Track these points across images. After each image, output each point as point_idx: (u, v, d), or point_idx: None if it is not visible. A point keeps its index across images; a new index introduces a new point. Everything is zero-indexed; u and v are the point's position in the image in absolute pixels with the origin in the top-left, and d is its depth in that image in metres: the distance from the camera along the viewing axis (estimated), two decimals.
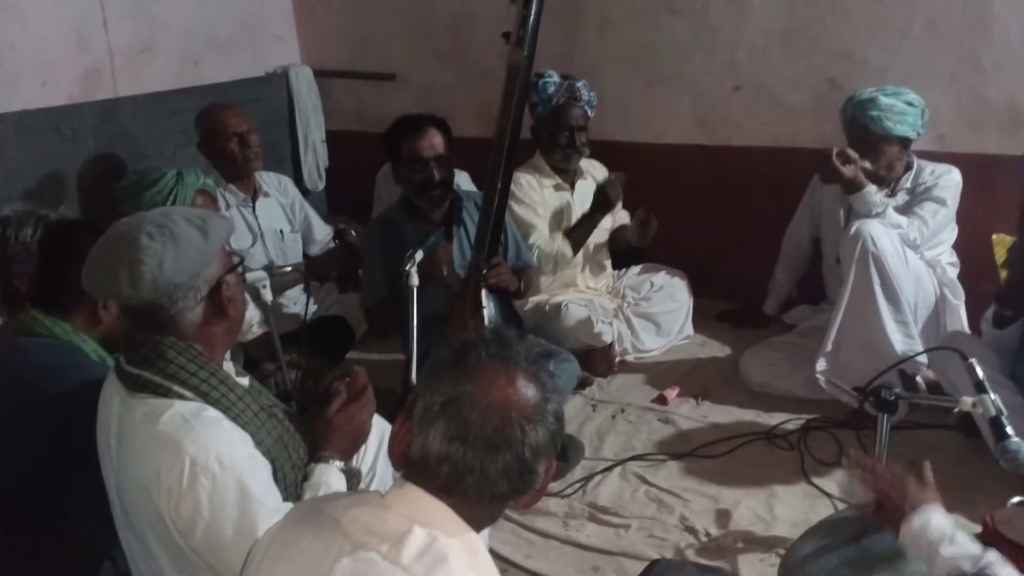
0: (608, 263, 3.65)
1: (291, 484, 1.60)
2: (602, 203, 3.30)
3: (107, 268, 1.49)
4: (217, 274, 1.56)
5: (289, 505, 1.49)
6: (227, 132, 3.29)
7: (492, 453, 1.12)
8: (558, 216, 3.43)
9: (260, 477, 1.49)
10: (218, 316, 1.57)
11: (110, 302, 1.87)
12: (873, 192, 2.89)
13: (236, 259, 1.64)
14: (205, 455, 1.42)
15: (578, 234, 3.35)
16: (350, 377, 1.77)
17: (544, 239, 3.31)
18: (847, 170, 2.86)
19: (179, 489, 1.41)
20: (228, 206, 3.29)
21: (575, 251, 3.34)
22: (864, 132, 2.96)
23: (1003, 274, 2.85)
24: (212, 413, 1.49)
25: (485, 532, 1.27)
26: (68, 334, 1.87)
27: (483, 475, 1.12)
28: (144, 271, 1.45)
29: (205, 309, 1.55)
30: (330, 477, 1.62)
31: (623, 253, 3.66)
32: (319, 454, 1.65)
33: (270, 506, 1.46)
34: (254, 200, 3.39)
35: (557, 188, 3.45)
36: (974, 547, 1.48)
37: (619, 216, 3.66)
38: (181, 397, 1.48)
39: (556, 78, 3.35)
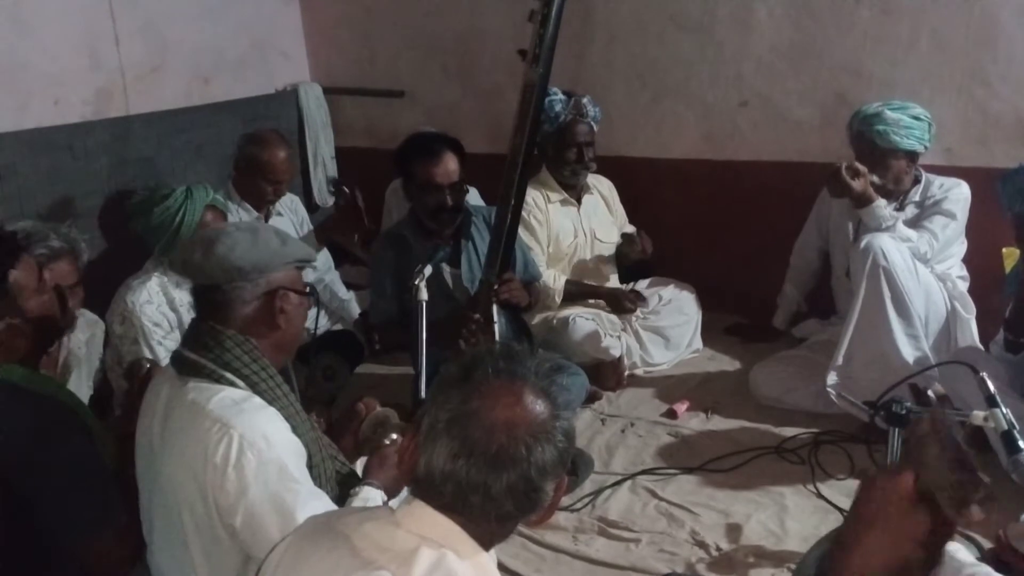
0: (614, 277, 3.64)
1: (324, 486, 1.66)
2: (611, 300, 3.49)
3: (190, 243, 1.71)
4: (279, 283, 1.68)
5: (322, 493, 1.59)
6: (271, 177, 3.34)
7: (496, 471, 1.10)
8: (566, 231, 3.44)
9: (298, 461, 1.58)
10: (267, 321, 1.67)
11: (15, 321, 1.82)
12: (883, 206, 2.88)
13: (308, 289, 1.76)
14: (252, 432, 1.51)
15: (575, 290, 3.44)
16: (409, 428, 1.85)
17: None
18: (856, 184, 2.85)
19: (226, 464, 1.49)
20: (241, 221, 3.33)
21: (561, 301, 3.40)
22: (871, 146, 2.97)
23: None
24: (258, 401, 1.59)
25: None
26: None
27: (487, 494, 1.10)
28: (217, 248, 1.61)
29: (257, 308, 1.65)
30: (378, 498, 1.69)
31: (631, 267, 3.66)
32: (369, 479, 1.74)
33: (307, 488, 1.55)
34: (267, 219, 3.43)
35: (564, 203, 3.47)
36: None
37: (625, 229, 3.67)
38: (232, 384, 1.58)
39: (560, 95, 3.37)
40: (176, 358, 1.66)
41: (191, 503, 1.53)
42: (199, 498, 1.52)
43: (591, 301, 3.52)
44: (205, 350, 1.60)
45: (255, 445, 1.50)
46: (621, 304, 3.49)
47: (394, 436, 1.86)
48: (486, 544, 1.15)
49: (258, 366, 1.62)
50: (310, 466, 1.62)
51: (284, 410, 1.61)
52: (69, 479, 1.72)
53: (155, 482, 1.62)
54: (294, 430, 1.61)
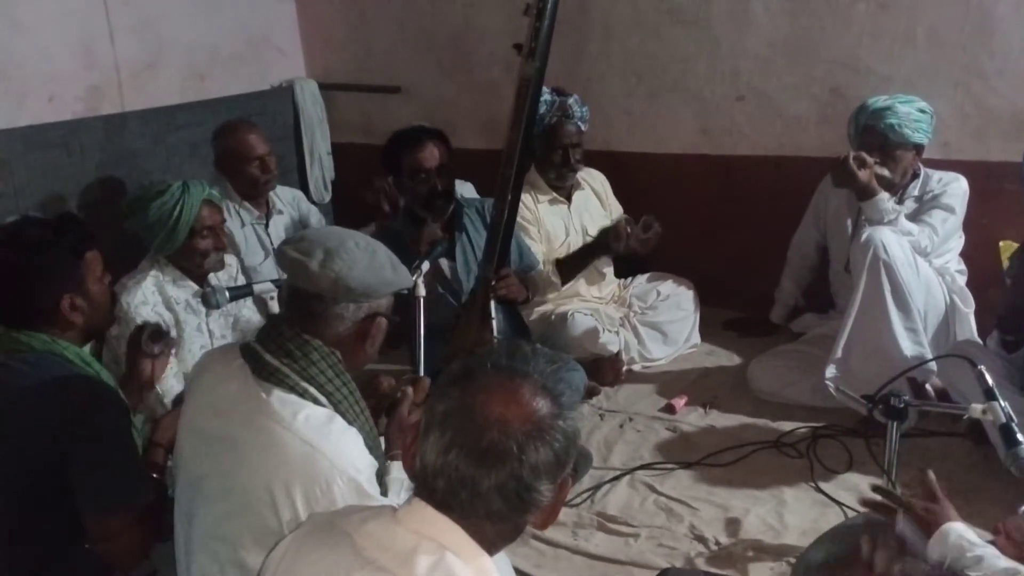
0: (607, 271, 3.62)
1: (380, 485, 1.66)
2: (602, 246, 3.34)
3: (308, 244, 1.61)
4: (378, 309, 1.67)
5: (390, 501, 1.58)
6: (250, 155, 3.30)
7: (485, 467, 1.08)
8: (556, 230, 3.43)
9: (371, 477, 1.56)
10: (356, 343, 1.66)
11: (77, 299, 1.89)
12: (886, 199, 2.86)
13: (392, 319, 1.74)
14: (342, 459, 1.50)
15: (570, 267, 3.38)
16: (417, 384, 1.90)
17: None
18: (862, 174, 2.83)
19: (314, 487, 1.47)
20: (243, 224, 3.32)
21: (564, 282, 3.37)
22: (883, 140, 2.94)
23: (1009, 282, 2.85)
24: (341, 422, 1.56)
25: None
26: (47, 344, 1.86)
27: (475, 490, 1.08)
28: (337, 261, 1.58)
29: (353, 329, 1.64)
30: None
31: (628, 261, 3.65)
32: (394, 452, 1.74)
33: (384, 502, 1.53)
34: (268, 218, 3.42)
35: (553, 202, 3.47)
36: (1005, 562, 1.47)
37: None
38: (315, 400, 1.55)
39: (547, 96, 3.33)
40: (251, 355, 1.59)
41: (260, 512, 1.50)
42: (270, 510, 1.48)
43: (591, 296, 3.52)
44: (290, 359, 1.56)
45: (345, 472, 1.49)
46: (614, 241, 3.26)
47: (405, 389, 1.87)
48: (487, 545, 1.12)
49: (340, 382, 1.59)
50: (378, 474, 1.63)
51: (361, 429, 1.60)
52: (105, 453, 1.76)
53: (207, 477, 1.57)
54: (371, 451, 1.60)
